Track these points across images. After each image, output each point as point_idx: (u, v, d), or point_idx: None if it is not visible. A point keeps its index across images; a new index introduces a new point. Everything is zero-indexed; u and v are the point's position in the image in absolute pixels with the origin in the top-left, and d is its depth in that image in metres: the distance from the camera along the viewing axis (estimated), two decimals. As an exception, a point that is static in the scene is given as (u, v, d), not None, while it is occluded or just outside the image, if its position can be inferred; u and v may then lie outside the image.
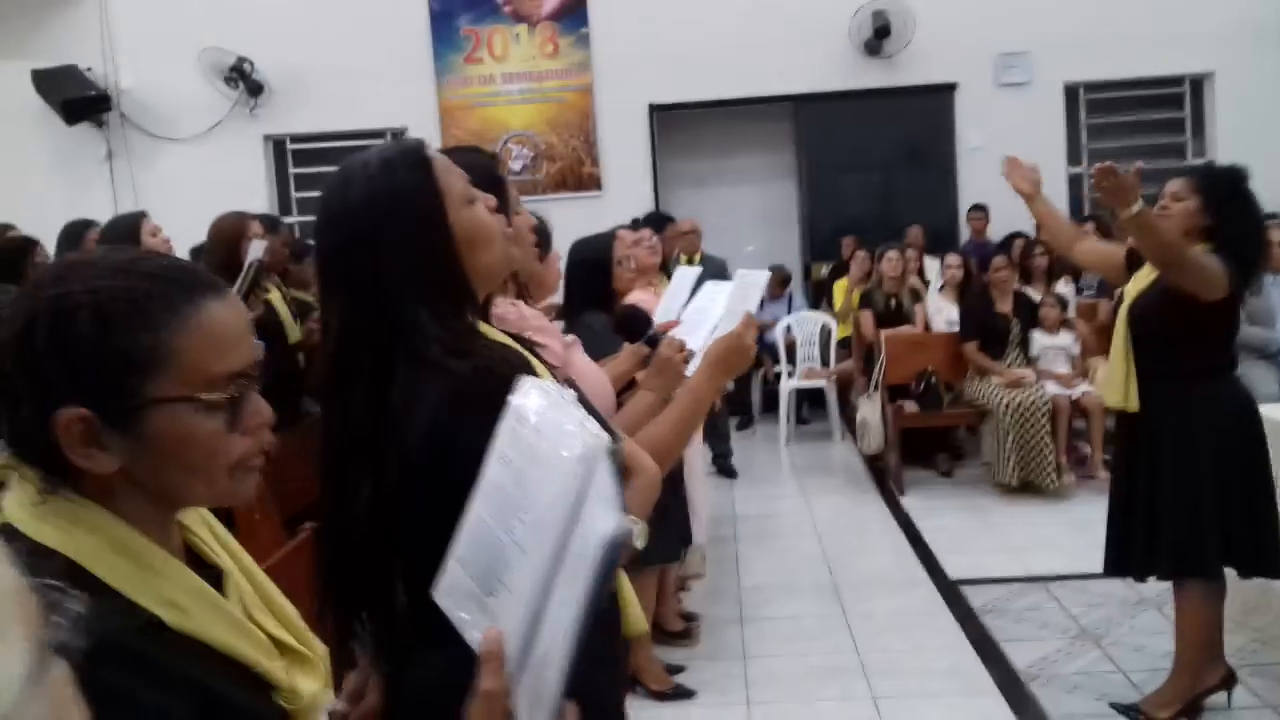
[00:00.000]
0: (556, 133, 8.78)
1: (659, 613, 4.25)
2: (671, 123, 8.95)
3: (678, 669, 3.96)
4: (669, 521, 3.71)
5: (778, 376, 7.99)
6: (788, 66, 8.51)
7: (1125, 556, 3.32)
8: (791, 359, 8.03)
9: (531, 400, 1.03)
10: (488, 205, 1.41)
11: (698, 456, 4.14)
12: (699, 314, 2.53)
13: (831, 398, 7.66)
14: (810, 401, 8.34)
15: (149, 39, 8.67)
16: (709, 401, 1.93)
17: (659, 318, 2.76)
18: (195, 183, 7.98)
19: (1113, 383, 3.31)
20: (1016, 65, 8.51)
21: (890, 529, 5.56)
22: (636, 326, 2.55)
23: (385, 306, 1.28)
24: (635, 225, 5.59)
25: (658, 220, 5.74)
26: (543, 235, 2.58)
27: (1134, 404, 3.20)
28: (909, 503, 5.96)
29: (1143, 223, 2.97)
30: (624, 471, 1.40)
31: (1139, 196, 2.94)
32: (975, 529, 5.44)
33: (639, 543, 1.37)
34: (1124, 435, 3.39)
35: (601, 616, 1.34)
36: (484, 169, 1.74)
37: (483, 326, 1.39)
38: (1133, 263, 3.34)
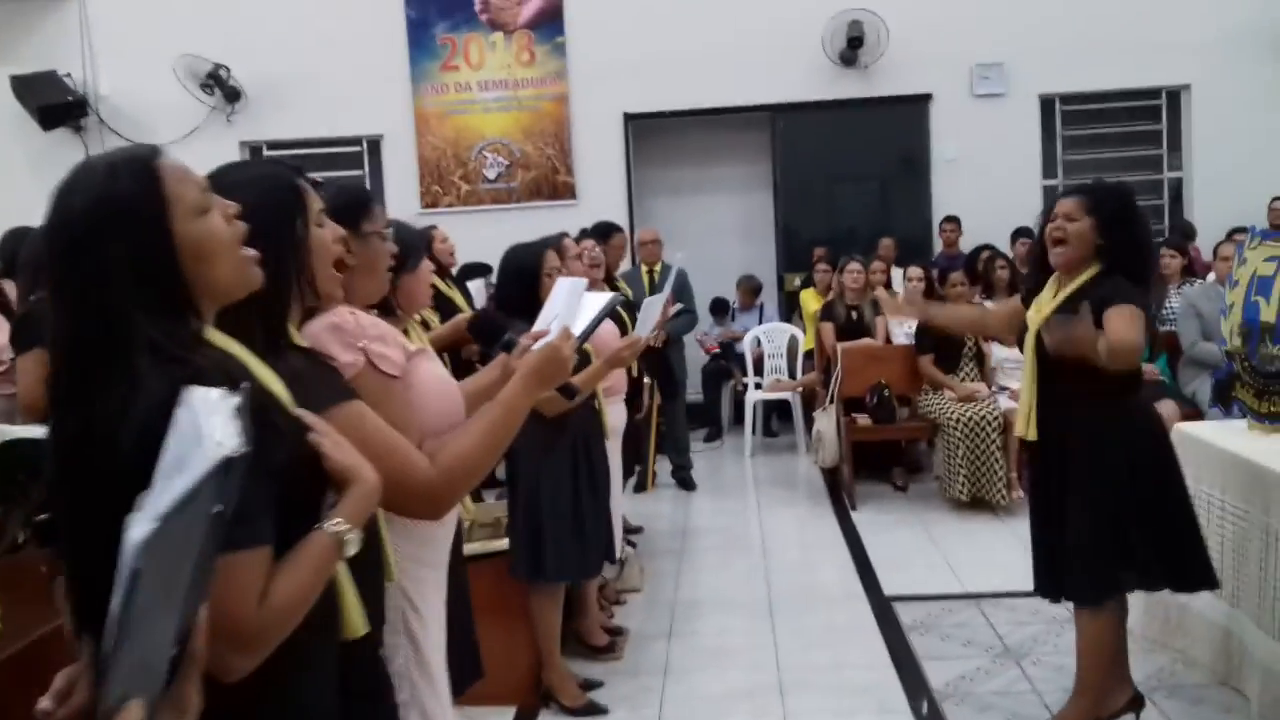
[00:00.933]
0: (531, 141, 8.78)
1: (581, 626, 4.24)
2: (647, 131, 8.95)
3: (595, 684, 3.94)
4: (585, 537, 3.69)
5: (746, 388, 7.97)
6: (764, 76, 8.50)
7: (1042, 578, 3.29)
8: (760, 370, 8.01)
9: (187, 408, 1.03)
10: (227, 215, 1.39)
11: (618, 472, 4.11)
12: (556, 324, 2.51)
13: (797, 410, 7.63)
14: (779, 414, 8.32)
15: (128, 45, 8.71)
16: (521, 414, 1.91)
17: (538, 325, 2.73)
18: (172, 188, 7.99)
19: (1021, 413, 3.30)
20: (991, 76, 8.47)
21: (837, 543, 5.53)
22: (490, 333, 2.53)
23: (103, 313, 1.26)
24: (582, 235, 5.59)
25: (604, 230, 5.73)
26: (408, 247, 2.58)
27: (1032, 433, 3.19)
28: (860, 517, 5.93)
29: (1114, 353, 2.91)
30: (341, 481, 1.39)
31: (1095, 335, 2.91)
32: (919, 544, 5.40)
33: (349, 550, 1.36)
34: (1033, 458, 3.36)
35: (310, 616, 1.34)
36: (274, 180, 1.73)
37: (215, 336, 1.37)
38: (1028, 294, 3.33)
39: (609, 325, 4.04)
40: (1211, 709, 3.48)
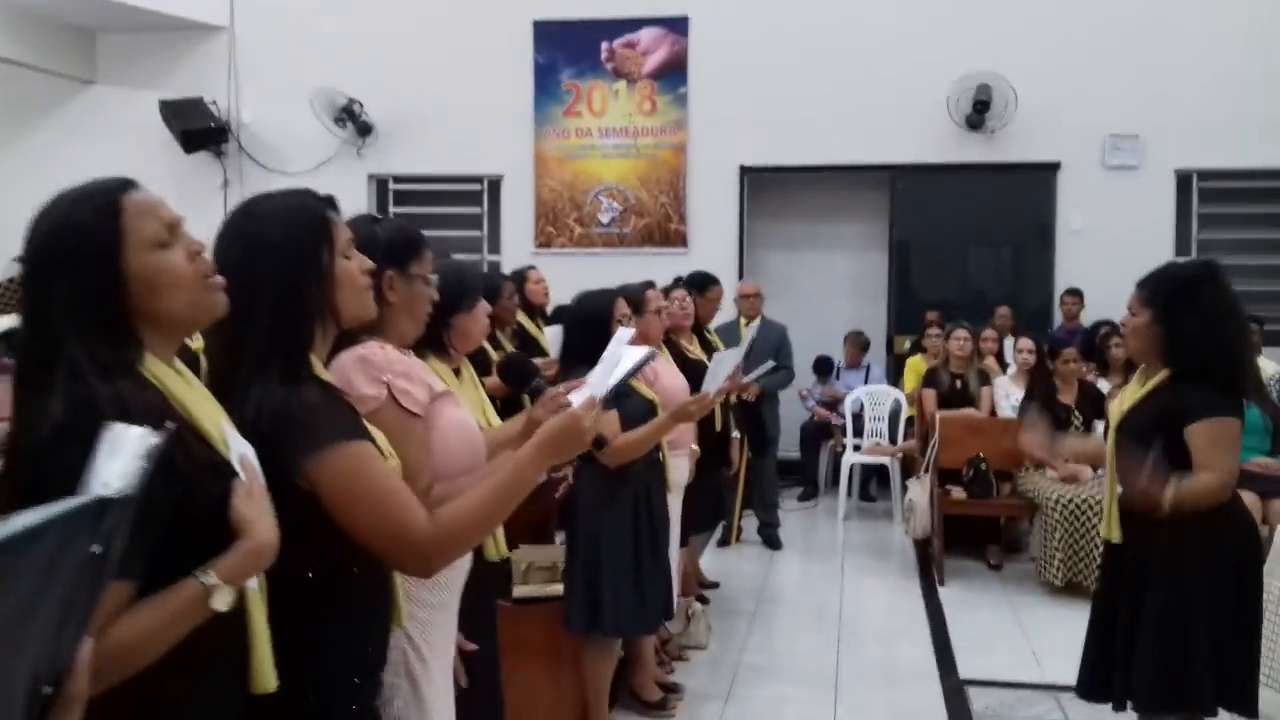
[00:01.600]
0: (647, 188, 8.83)
1: (635, 680, 4.16)
2: (763, 185, 8.91)
3: (642, 741, 3.85)
4: (644, 592, 3.62)
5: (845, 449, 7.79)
6: (884, 135, 8.38)
7: (1100, 680, 3.05)
8: (861, 433, 7.83)
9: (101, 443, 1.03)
10: (190, 250, 1.42)
11: (675, 524, 4.03)
12: (600, 374, 2.46)
13: (895, 477, 7.42)
14: (879, 479, 8.10)
15: (270, 77, 9.13)
16: (531, 480, 1.84)
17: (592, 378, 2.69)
18: (301, 216, 8.30)
19: (1104, 508, 3.06)
20: (1125, 148, 8.17)
21: (918, 619, 5.31)
22: (520, 376, 2.50)
23: (43, 332, 1.34)
24: (676, 283, 5.56)
25: (699, 281, 5.68)
26: (465, 287, 2.59)
27: (1116, 534, 2.95)
28: (947, 593, 5.69)
29: (1181, 504, 2.73)
30: (236, 532, 1.36)
31: (1162, 488, 2.71)
32: (1005, 627, 5.15)
33: (217, 604, 1.32)
34: (1109, 561, 3.10)
35: (207, 666, 1.34)
36: (303, 212, 1.75)
37: (154, 366, 1.39)
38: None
39: (678, 379, 4.00)
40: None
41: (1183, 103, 7.97)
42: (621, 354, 2.37)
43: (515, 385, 2.53)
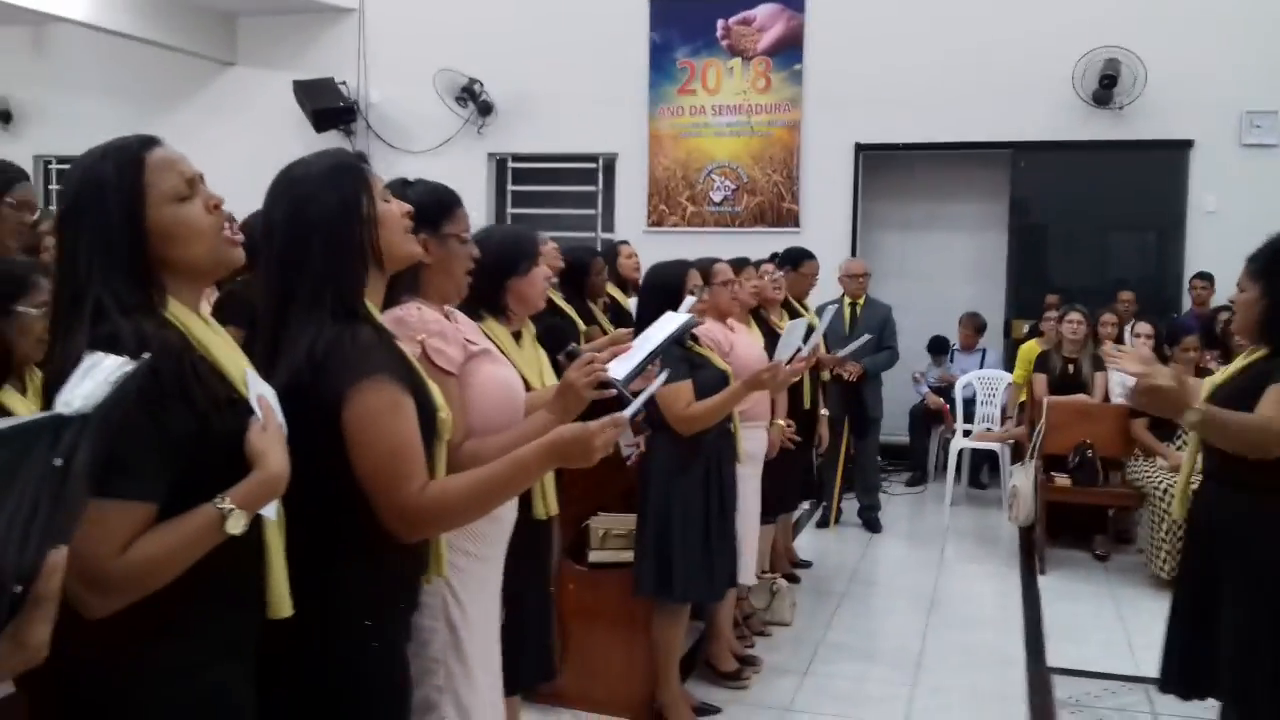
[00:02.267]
0: (760, 167, 8.79)
1: (711, 650, 4.20)
2: (878, 163, 8.76)
3: (712, 709, 3.89)
4: (712, 559, 3.66)
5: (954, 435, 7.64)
6: (1006, 112, 8.12)
7: (1185, 671, 2.92)
8: (972, 418, 7.66)
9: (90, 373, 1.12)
10: (209, 204, 1.52)
11: (752, 497, 4.04)
12: (644, 341, 2.51)
13: (1004, 463, 7.24)
14: (990, 465, 7.91)
15: (397, 59, 9.41)
16: (531, 477, 1.89)
17: (637, 343, 2.72)
18: (423, 193, 8.57)
19: (1179, 485, 2.98)
20: (1264, 125, 7.74)
21: (1013, 606, 5.20)
22: (556, 341, 2.55)
23: (73, 275, 1.45)
24: (772, 258, 5.55)
25: (794, 257, 5.65)
26: (519, 252, 2.66)
27: (1180, 511, 2.89)
28: (1047, 582, 5.55)
29: (1207, 426, 2.60)
30: (250, 463, 1.45)
31: (1188, 402, 2.55)
32: (1103, 618, 5.00)
33: (232, 528, 1.40)
34: (1187, 539, 3.01)
35: (218, 585, 1.44)
36: (340, 166, 1.84)
37: (176, 309, 1.49)
38: None
39: (755, 350, 4.00)
40: None
41: (1330, 76, 7.52)
42: (668, 326, 2.41)
43: (550, 350, 2.58)
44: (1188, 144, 7.95)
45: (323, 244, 1.75)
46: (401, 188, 2.17)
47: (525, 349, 2.66)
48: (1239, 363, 2.85)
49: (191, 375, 1.44)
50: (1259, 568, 2.69)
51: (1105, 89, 7.81)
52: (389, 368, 1.73)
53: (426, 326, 2.12)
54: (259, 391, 1.55)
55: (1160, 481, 5.40)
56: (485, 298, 2.56)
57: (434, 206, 2.19)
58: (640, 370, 2.29)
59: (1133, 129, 7.97)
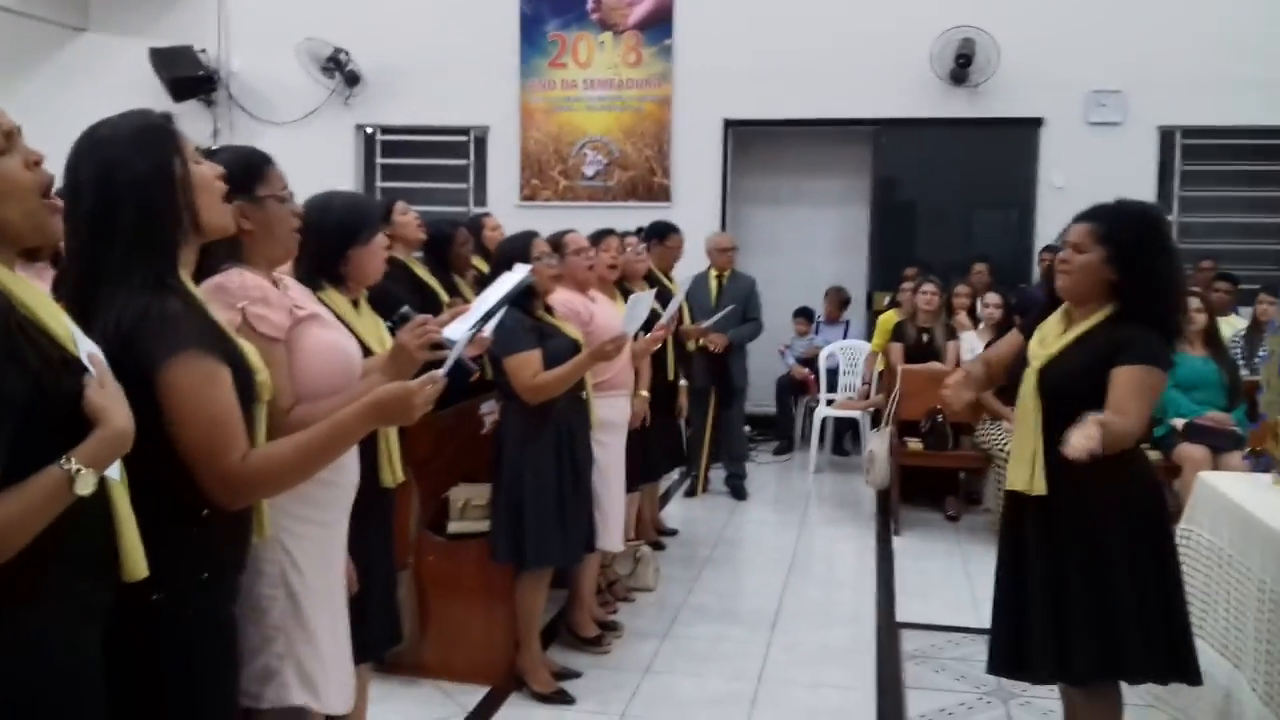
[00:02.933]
0: (631, 141, 8.84)
1: (573, 616, 4.27)
2: (747, 139, 8.91)
3: (573, 674, 3.96)
4: (566, 525, 3.72)
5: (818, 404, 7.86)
6: (868, 90, 8.34)
7: (1017, 654, 2.90)
8: (835, 388, 7.89)
9: None
10: (29, 160, 1.47)
11: (616, 465, 4.11)
12: (480, 301, 2.54)
13: (865, 431, 7.48)
14: (854, 434, 8.16)
15: (259, 26, 9.15)
16: (351, 437, 1.91)
17: (476, 304, 2.73)
18: (289, 167, 8.31)
19: (1020, 460, 2.86)
20: (1108, 104, 8.12)
21: (867, 566, 5.41)
22: (388, 306, 2.56)
23: None
24: (638, 232, 5.62)
25: (659, 230, 5.74)
26: (360, 220, 2.66)
27: (1040, 486, 2.77)
28: (901, 543, 5.78)
29: (1107, 436, 2.49)
30: (93, 421, 1.42)
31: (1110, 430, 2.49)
32: (952, 576, 5.23)
33: (81, 488, 1.38)
34: (1014, 517, 2.93)
35: (69, 551, 1.42)
36: (148, 127, 1.80)
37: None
38: (1029, 325, 3.00)
39: (615, 321, 4.05)
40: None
41: (1166, 58, 7.91)
42: (502, 288, 2.44)
43: (383, 315, 2.59)
44: (1038, 122, 8.29)
45: (134, 211, 1.70)
46: (206, 155, 2.13)
47: (365, 316, 2.66)
48: (1075, 326, 2.80)
49: (19, 334, 1.39)
50: (1112, 540, 2.72)
51: (961, 68, 8.08)
52: (198, 340, 1.70)
53: (247, 293, 2.08)
54: (88, 349, 1.51)
55: (1006, 445, 5.66)
56: (324, 266, 2.55)
57: (244, 170, 2.11)
58: (477, 329, 2.32)
59: (987, 107, 8.28)
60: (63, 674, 1.46)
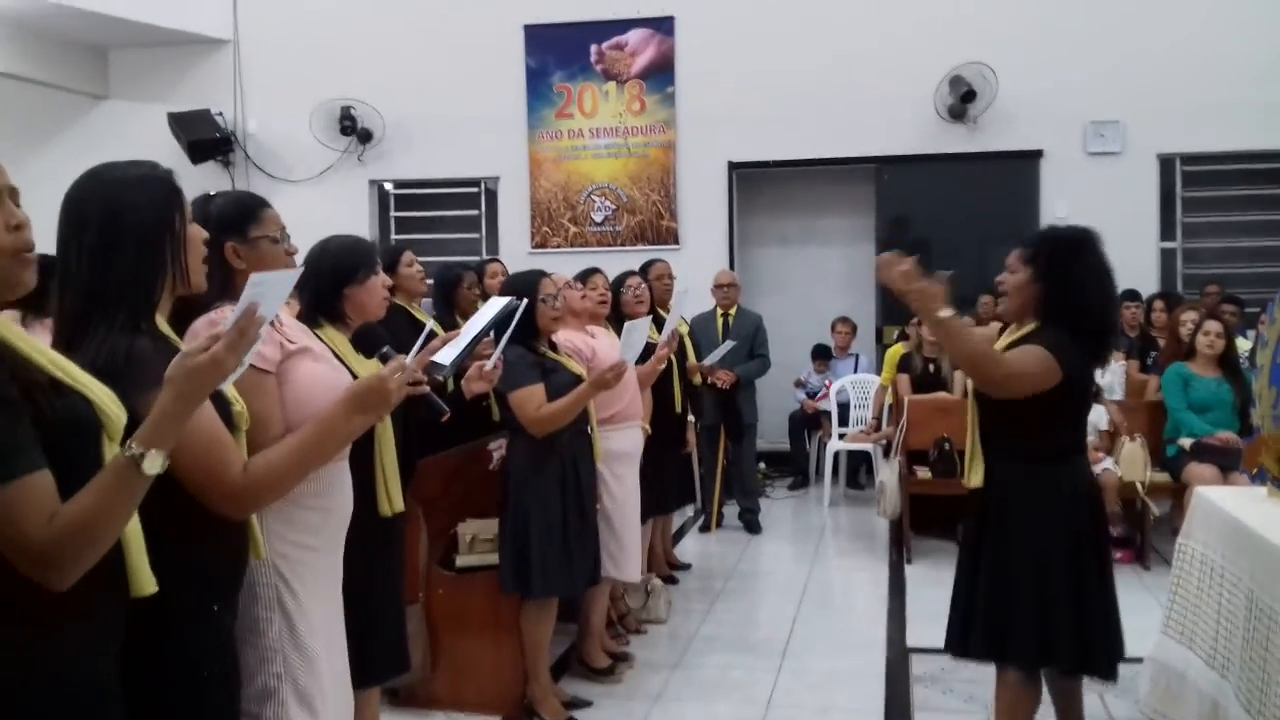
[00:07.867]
0: (638, 187, 9.01)
1: (583, 647, 4.33)
2: (752, 181, 9.06)
3: (583, 703, 4.02)
4: (571, 556, 3.79)
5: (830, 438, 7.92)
6: (870, 128, 8.49)
7: (952, 632, 3.18)
8: (847, 422, 7.95)
9: None
10: (9, 222, 1.51)
11: (632, 498, 4.20)
12: (469, 327, 2.65)
13: (877, 462, 7.53)
14: (867, 467, 8.21)
15: (274, 88, 9.42)
16: (336, 434, 2.02)
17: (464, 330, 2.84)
18: (306, 223, 8.52)
19: (967, 456, 3.16)
20: (1107, 134, 8.22)
21: (878, 595, 5.44)
22: (370, 345, 2.67)
23: None
24: (632, 275, 5.71)
25: (644, 266, 5.88)
26: (357, 260, 2.78)
27: (975, 480, 3.07)
28: (913, 570, 5.82)
29: (946, 332, 2.85)
30: None
31: (941, 305, 2.81)
32: (962, 601, 5.25)
33: (150, 467, 1.47)
34: (973, 510, 3.17)
35: (98, 572, 1.49)
36: (158, 180, 1.92)
37: None
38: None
39: (617, 354, 4.15)
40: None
41: (1163, 87, 8.02)
42: (489, 307, 2.56)
43: (365, 353, 2.69)
44: (1038, 154, 8.40)
45: (134, 255, 1.79)
46: (204, 204, 2.24)
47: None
48: (1006, 338, 3.07)
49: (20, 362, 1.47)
50: (1026, 534, 2.93)
51: (962, 103, 8.21)
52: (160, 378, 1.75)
53: None
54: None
55: (1012, 470, 5.71)
56: (323, 305, 2.68)
57: (235, 214, 2.25)
58: (466, 353, 2.43)
59: (987, 141, 8.40)
60: (78, 697, 1.52)
